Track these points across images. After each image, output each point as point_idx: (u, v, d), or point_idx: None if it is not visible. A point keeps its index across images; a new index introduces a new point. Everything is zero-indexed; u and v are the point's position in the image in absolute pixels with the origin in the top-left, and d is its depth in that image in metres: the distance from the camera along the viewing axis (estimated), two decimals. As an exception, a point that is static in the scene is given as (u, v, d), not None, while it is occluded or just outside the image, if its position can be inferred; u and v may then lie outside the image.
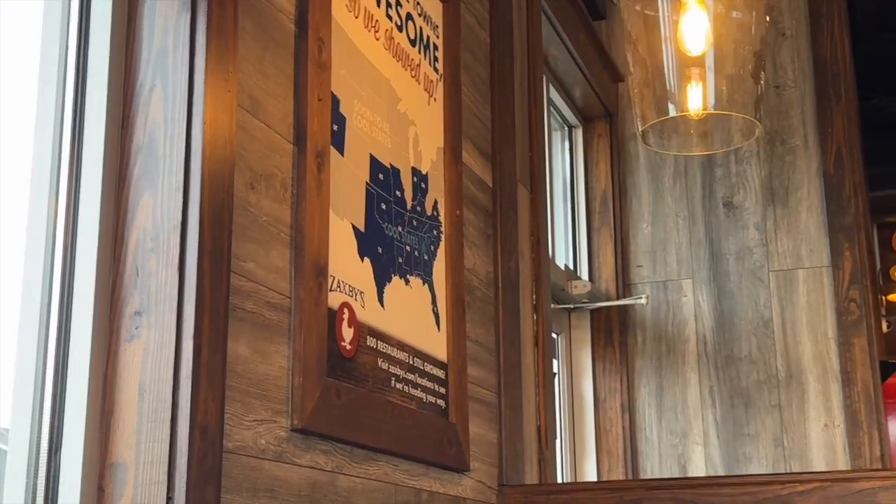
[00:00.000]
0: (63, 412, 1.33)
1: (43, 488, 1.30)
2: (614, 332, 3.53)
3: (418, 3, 2.15)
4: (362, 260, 1.80)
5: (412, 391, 1.92)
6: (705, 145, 2.68)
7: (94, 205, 1.38)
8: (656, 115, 2.48)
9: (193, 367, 1.32)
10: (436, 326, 2.07)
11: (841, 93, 3.46)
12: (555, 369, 3.31)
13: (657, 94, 2.45)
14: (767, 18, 2.52)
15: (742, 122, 2.51)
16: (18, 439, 1.33)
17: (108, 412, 1.34)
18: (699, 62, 2.44)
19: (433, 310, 2.07)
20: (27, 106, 1.40)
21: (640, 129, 2.55)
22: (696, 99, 2.45)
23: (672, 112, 2.47)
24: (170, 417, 1.31)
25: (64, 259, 1.36)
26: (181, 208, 1.37)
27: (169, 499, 1.29)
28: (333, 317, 1.67)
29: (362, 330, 1.77)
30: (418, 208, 2.05)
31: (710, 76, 2.42)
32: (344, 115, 1.79)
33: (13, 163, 1.41)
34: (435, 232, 2.11)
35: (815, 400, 3.30)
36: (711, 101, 2.43)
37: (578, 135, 3.72)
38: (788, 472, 3.19)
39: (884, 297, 6.44)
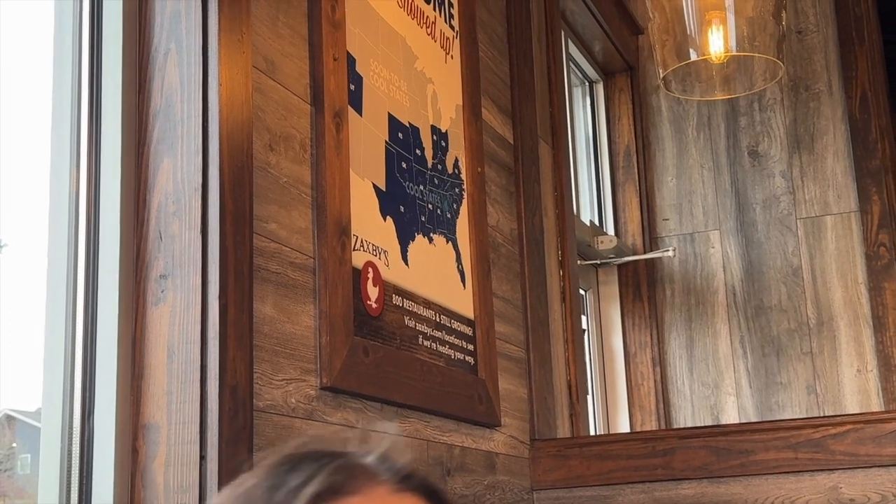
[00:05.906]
0: (94, 377, 1.35)
1: (78, 452, 1.32)
2: (642, 287, 3.51)
3: (431, -40, 2.13)
4: (385, 219, 1.81)
5: (440, 348, 1.93)
6: (728, 90, 2.65)
7: (115, 170, 1.39)
8: (677, 60, 2.44)
9: (220, 328, 1.33)
10: (461, 284, 2.07)
11: (864, 35, 3.41)
12: (584, 325, 3.31)
13: (678, 39, 2.42)
14: (786, -41, 2.48)
15: (765, 64, 2.47)
16: (52, 406, 1.34)
17: (139, 375, 1.36)
18: (719, 5, 2.40)
19: (458, 267, 2.07)
20: (44, 75, 1.41)
21: (661, 76, 2.52)
22: (718, 42, 2.41)
23: (693, 56, 2.44)
24: (199, 378, 1.33)
25: (88, 226, 1.37)
26: (201, 171, 1.38)
27: (202, 458, 1.30)
28: (358, 276, 1.68)
29: (387, 288, 1.77)
30: (439, 166, 2.04)
31: (731, 18, 2.39)
32: (360, 74, 1.79)
33: (33, 133, 1.42)
34: (457, 190, 2.11)
35: (847, 346, 3.28)
36: (733, 43, 2.39)
37: (599, 90, 3.70)
38: (821, 416, 3.18)
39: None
